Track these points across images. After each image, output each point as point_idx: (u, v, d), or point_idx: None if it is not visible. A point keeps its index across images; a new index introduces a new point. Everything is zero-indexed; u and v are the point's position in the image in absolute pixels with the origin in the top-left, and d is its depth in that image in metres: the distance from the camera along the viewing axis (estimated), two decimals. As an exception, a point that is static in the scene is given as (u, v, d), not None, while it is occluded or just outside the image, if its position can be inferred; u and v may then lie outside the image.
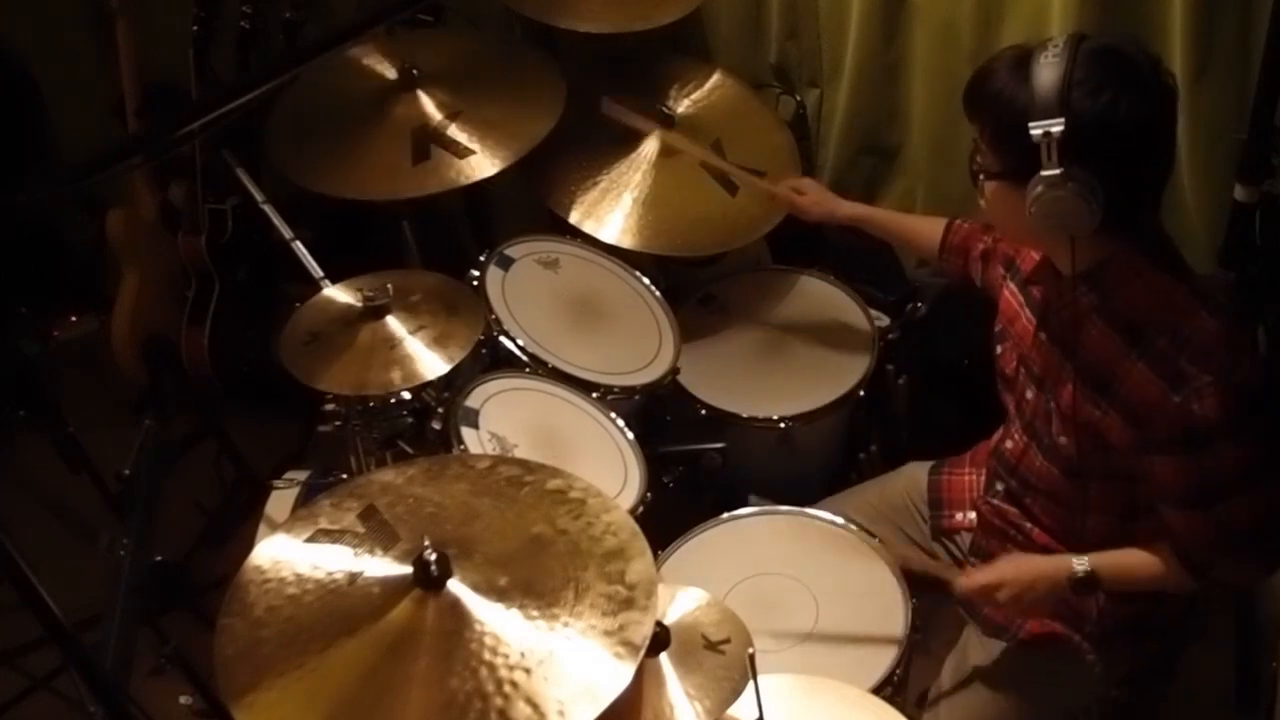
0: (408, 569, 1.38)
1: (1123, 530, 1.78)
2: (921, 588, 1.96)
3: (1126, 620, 1.86)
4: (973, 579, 1.84)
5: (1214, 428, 1.59)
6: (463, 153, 2.33)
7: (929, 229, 2.20)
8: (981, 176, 1.68)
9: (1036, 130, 1.52)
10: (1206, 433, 1.59)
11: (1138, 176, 1.60)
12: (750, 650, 1.44)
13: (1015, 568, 1.83)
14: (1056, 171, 1.53)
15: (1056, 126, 1.51)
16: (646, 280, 2.46)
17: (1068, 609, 1.86)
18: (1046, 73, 1.54)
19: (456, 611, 1.35)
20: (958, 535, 2.08)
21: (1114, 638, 1.86)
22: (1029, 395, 1.84)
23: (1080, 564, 1.75)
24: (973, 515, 2.04)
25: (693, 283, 2.64)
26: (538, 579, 1.38)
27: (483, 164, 2.34)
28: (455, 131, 2.36)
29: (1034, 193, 1.55)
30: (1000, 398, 1.95)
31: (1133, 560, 1.76)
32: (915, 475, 2.16)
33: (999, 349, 1.91)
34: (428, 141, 2.34)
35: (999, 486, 1.95)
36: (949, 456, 2.15)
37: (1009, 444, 1.91)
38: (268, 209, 2.42)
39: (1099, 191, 1.53)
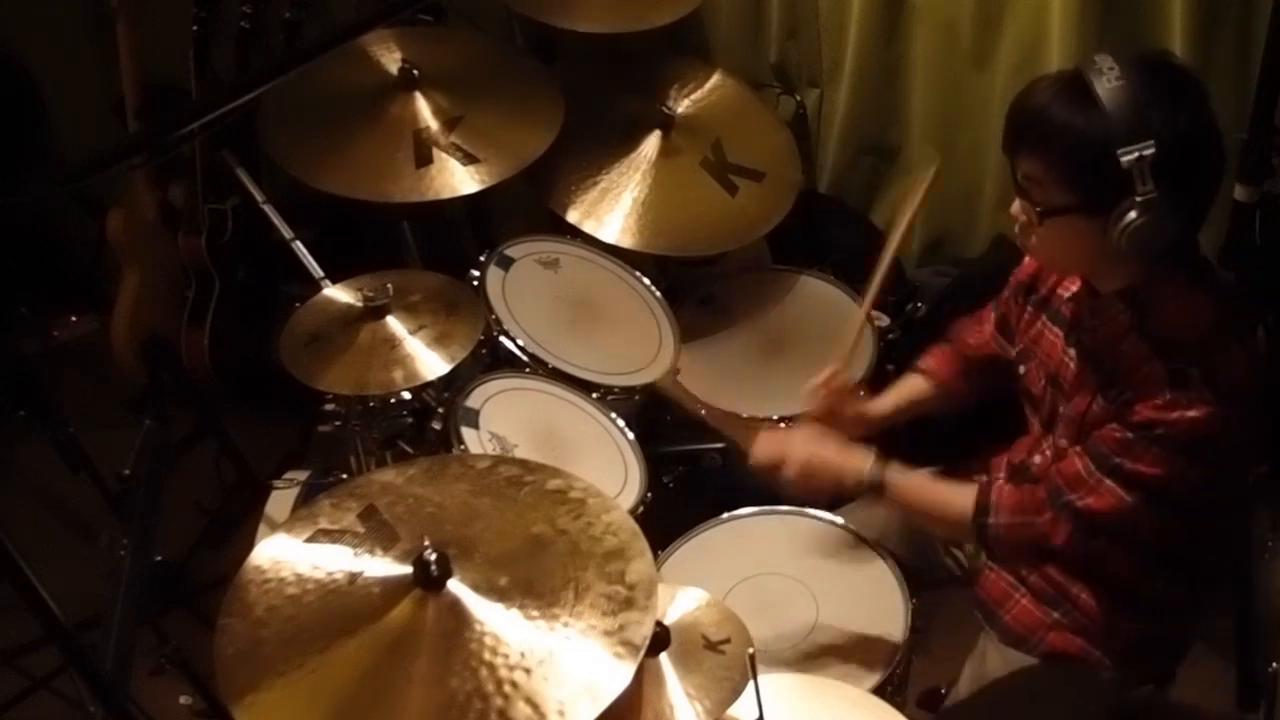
0: (408, 569, 1.38)
1: (1127, 541, 1.77)
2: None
3: (1147, 638, 1.86)
4: (761, 452, 1.88)
5: (1177, 437, 1.58)
6: (467, 160, 2.33)
7: (907, 386, 2.11)
8: (1048, 214, 1.62)
9: (1128, 156, 1.50)
10: (1168, 435, 1.58)
11: (1212, 188, 1.60)
12: (750, 650, 1.44)
13: (808, 452, 1.85)
14: (1153, 194, 1.51)
15: (1148, 150, 1.49)
16: (646, 280, 2.46)
17: (1091, 625, 1.85)
18: (1118, 97, 1.51)
19: (456, 611, 1.35)
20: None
21: (1133, 653, 1.86)
22: (1061, 410, 1.81)
23: (871, 473, 1.80)
24: None
25: (693, 283, 2.64)
26: (538, 579, 1.38)
27: (486, 173, 2.33)
28: (458, 138, 2.36)
29: (1125, 220, 1.53)
30: (1015, 411, 1.95)
31: (934, 491, 1.81)
32: None
33: (1022, 369, 1.90)
34: (430, 146, 2.34)
35: None
36: (955, 461, 2.14)
37: (1037, 459, 1.89)
38: (268, 209, 2.42)
39: (1181, 211, 1.53)
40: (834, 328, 2.51)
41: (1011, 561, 1.86)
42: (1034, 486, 1.74)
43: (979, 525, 1.74)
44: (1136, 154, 1.50)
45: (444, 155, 2.33)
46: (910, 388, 2.10)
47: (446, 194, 2.30)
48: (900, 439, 2.57)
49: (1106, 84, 1.53)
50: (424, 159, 2.32)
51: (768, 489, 2.15)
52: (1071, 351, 1.78)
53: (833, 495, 1.89)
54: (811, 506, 2.04)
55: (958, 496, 1.78)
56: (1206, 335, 1.60)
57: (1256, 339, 1.66)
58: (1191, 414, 1.57)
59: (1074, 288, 1.81)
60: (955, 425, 2.55)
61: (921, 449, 2.52)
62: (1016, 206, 1.68)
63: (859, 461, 1.82)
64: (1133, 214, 1.53)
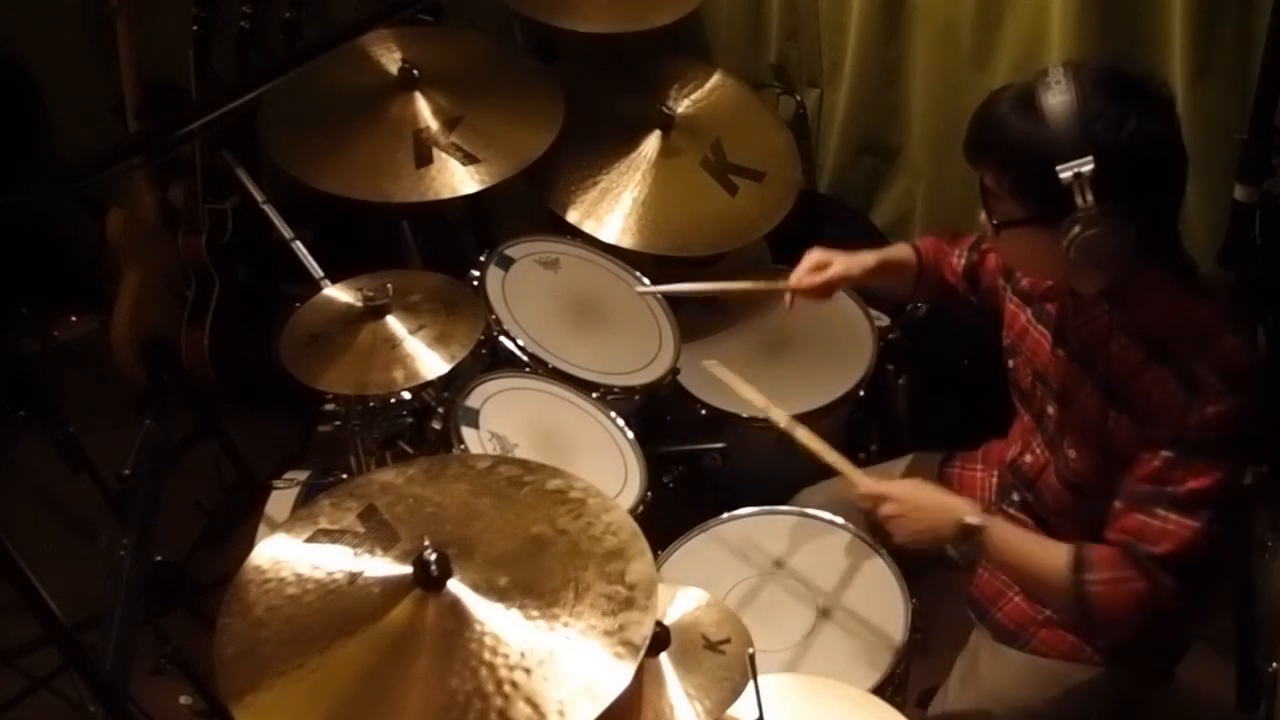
0: (408, 569, 1.38)
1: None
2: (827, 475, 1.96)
3: (1139, 637, 1.85)
4: (868, 484, 1.83)
5: (1207, 438, 1.57)
6: (467, 160, 2.33)
7: (899, 251, 2.12)
8: (1003, 226, 1.63)
9: (1066, 173, 1.49)
10: (1199, 439, 1.58)
11: (1167, 195, 1.59)
12: (750, 650, 1.44)
13: (913, 489, 1.81)
14: (1093, 210, 1.50)
15: (1086, 166, 1.49)
16: (647, 280, 2.46)
17: (1082, 623, 1.85)
18: (1061, 110, 1.51)
19: (456, 611, 1.35)
20: None
21: (1125, 652, 1.86)
22: (1050, 410, 1.82)
23: (973, 518, 1.73)
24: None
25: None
26: (538, 579, 1.38)
27: (486, 173, 2.33)
28: (458, 138, 2.36)
29: (1071, 233, 1.52)
30: (1014, 407, 1.94)
31: (1031, 545, 1.75)
32: (921, 466, 2.14)
33: (1011, 363, 1.90)
34: (430, 146, 2.34)
35: (1014, 497, 1.94)
36: (951, 449, 2.14)
37: (1029, 458, 1.89)
38: (268, 209, 2.42)
39: (1135, 220, 1.52)
40: (834, 327, 2.52)
41: (1117, 633, 1.75)
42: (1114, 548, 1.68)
43: (1078, 582, 1.67)
44: (1074, 170, 1.49)
45: (444, 155, 2.33)
46: (897, 252, 2.11)
47: (446, 194, 2.30)
48: (901, 437, 2.59)
49: (1051, 97, 1.52)
50: (424, 159, 2.32)
51: (767, 489, 2.16)
52: (1060, 352, 1.78)
53: (930, 541, 1.81)
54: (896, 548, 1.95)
55: (1055, 549, 1.71)
56: (1199, 329, 1.60)
57: (1251, 334, 1.64)
58: (1212, 409, 1.56)
59: (1040, 285, 1.81)
60: (954, 416, 2.57)
61: (922, 439, 2.54)
62: (982, 216, 1.68)
63: (961, 506, 1.76)
64: (1077, 228, 1.52)
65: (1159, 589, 1.63)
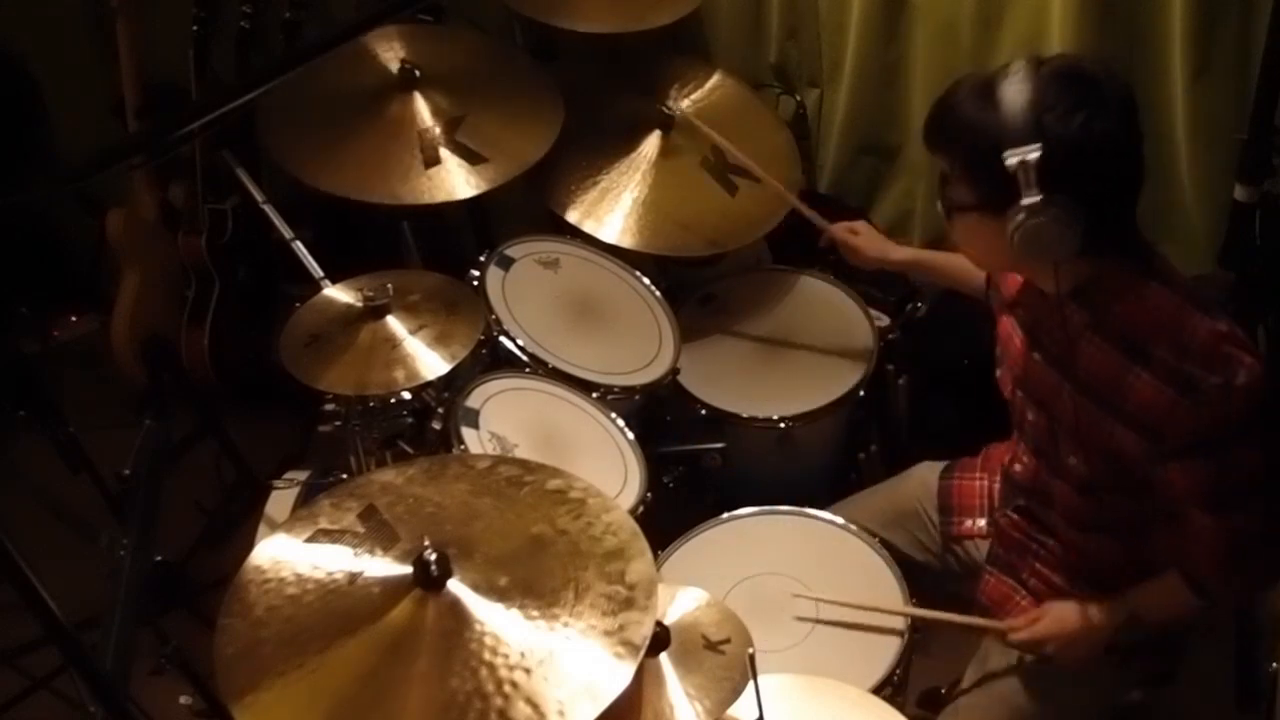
0: (408, 569, 1.38)
1: (1135, 544, 1.78)
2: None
3: (1147, 637, 1.85)
4: (1020, 635, 1.83)
5: (1227, 430, 1.57)
6: (475, 160, 2.33)
7: (943, 260, 2.18)
8: (955, 211, 1.66)
9: (1013, 159, 1.50)
10: (1221, 436, 1.58)
11: (1115, 194, 1.59)
12: (750, 650, 1.44)
13: (1057, 623, 1.81)
14: (1037, 198, 1.51)
15: (1033, 153, 1.50)
16: (646, 280, 2.46)
17: None
18: (1015, 99, 1.52)
19: (456, 611, 1.35)
20: (969, 541, 2.07)
21: (1132, 652, 1.86)
22: (1030, 416, 1.82)
23: (1122, 615, 1.77)
24: (982, 522, 2.03)
25: (693, 283, 2.64)
26: (538, 579, 1.38)
27: (494, 173, 2.32)
28: (463, 137, 2.36)
29: (1015, 221, 1.53)
30: (1006, 414, 1.95)
31: (1161, 595, 1.76)
32: (925, 478, 2.14)
33: (998, 371, 1.90)
34: (437, 147, 2.34)
35: (1019, 501, 1.95)
36: (956, 458, 2.14)
37: (1018, 467, 1.90)
38: (268, 209, 2.42)
39: (1080, 214, 1.52)
40: (834, 328, 2.52)
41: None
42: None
43: (1210, 599, 1.74)
44: (1019, 157, 1.50)
45: (452, 156, 2.33)
46: (940, 260, 2.20)
47: (458, 195, 2.29)
48: (901, 437, 2.59)
49: (1008, 86, 1.54)
50: (432, 160, 2.32)
51: (767, 489, 2.16)
52: (1036, 356, 1.77)
53: (1101, 652, 1.83)
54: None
55: (1179, 589, 1.74)
56: (1169, 320, 1.59)
57: (1226, 313, 1.64)
58: (1219, 402, 1.56)
59: (1014, 290, 1.81)
60: (954, 417, 2.57)
61: (922, 440, 2.54)
62: (938, 203, 1.70)
63: (1106, 611, 1.78)
64: (1020, 216, 1.53)
65: (1265, 567, 1.71)
